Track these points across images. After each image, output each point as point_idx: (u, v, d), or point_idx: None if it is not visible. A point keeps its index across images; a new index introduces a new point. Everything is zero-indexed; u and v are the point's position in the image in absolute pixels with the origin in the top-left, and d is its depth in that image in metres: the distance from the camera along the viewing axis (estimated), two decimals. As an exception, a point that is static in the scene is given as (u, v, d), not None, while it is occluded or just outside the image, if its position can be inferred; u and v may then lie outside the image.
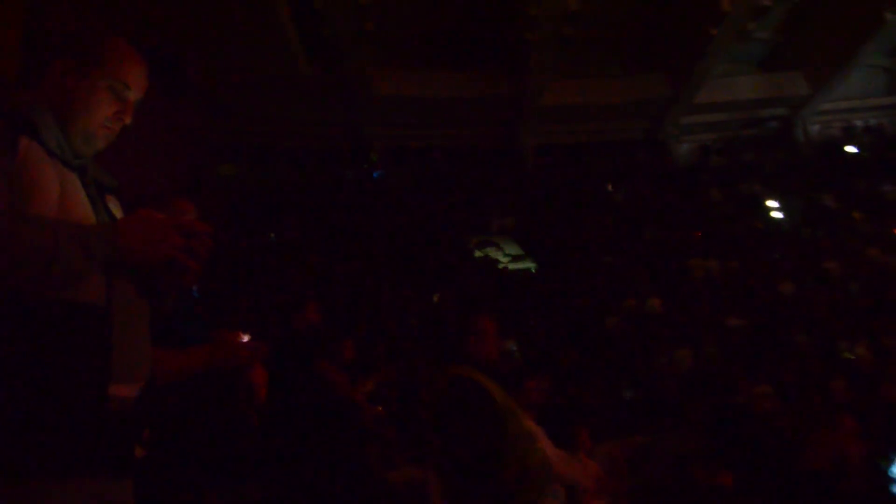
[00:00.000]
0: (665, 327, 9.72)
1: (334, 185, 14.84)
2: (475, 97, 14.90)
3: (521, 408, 4.07)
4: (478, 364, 3.24)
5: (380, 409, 5.27)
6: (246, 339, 2.52)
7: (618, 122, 16.43)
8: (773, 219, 13.60)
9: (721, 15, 12.77)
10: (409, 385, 7.22)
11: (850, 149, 16.04)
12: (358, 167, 15.35)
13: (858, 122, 17.29)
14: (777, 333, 9.58)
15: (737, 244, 12.37)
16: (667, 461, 7.26)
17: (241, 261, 11.71)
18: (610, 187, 14.20)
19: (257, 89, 13.54)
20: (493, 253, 12.49)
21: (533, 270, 12.03)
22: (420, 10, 13.64)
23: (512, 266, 12.19)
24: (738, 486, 6.14)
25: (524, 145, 15.83)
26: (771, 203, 13.87)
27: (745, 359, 9.05)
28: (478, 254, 12.40)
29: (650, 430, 7.88)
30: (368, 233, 12.95)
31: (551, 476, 3.41)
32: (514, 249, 12.50)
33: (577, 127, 16.15)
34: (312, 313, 4.55)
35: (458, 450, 3.02)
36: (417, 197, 14.22)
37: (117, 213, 1.72)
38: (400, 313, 10.60)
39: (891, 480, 5.27)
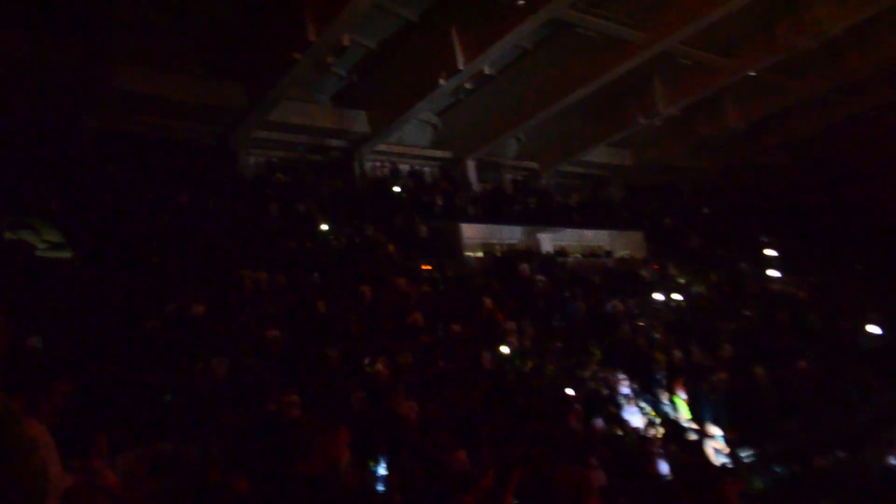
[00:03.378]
0: (207, 334, 9.77)
1: None
2: (36, 60, 13.20)
3: (30, 412, 3.78)
4: None
5: None
6: None
7: (190, 123, 16.11)
8: (323, 240, 14.66)
9: (306, 43, 13.44)
10: None
11: (396, 188, 18.19)
12: None
13: (404, 167, 19.79)
14: (310, 347, 10.34)
15: (286, 259, 13.02)
16: (188, 468, 7.33)
17: None
18: (172, 187, 13.78)
19: None
20: (28, 237, 11.12)
21: (73, 261, 10.99)
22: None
23: (49, 254, 11.01)
24: (253, 490, 6.50)
25: (84, 125, 14.47)
26: (323, 226, 14.94)
27: (279, 369, 9.58)
28: (9, 236, 10.93)
29: (179, 436, 7.88)
30: None
31: (51, 489, 3.24)
32: (53, 236, 11.27)
33: (147, 119, 15.40)
34: None
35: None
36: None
37: None
38: None
39: (376, 479, 6.19)
